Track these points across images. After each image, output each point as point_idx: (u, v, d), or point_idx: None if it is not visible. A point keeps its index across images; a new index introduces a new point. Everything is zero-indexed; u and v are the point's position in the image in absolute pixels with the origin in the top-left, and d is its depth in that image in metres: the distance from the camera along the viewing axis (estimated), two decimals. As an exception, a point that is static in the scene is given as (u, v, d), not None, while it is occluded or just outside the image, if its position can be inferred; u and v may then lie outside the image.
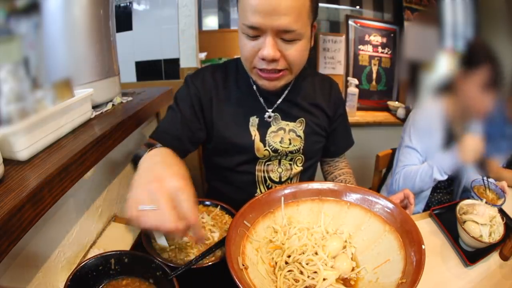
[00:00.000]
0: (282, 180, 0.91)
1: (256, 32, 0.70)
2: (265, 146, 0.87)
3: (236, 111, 0.87)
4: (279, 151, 0.87)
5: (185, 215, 0.47)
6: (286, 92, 0.88)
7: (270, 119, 0.87)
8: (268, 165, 0.90)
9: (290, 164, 0.91)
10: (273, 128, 0.87)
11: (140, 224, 0.48)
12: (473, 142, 0.92)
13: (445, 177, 1.01)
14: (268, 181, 0.91)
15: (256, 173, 0.89)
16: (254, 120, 0.86)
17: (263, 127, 0.87)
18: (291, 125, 0.88)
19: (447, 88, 0.85)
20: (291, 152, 0.89)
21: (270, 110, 0.87)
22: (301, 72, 0.88)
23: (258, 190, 0.91)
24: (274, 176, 0.90)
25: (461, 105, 0.89)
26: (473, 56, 0.81)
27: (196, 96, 0.86)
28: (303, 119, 0.89)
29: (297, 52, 0.73)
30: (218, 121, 0.87)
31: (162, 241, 0.63)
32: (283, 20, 0.66)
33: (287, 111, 0.88)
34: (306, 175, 0.95)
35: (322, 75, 1.01)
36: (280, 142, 0.87)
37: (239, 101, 0.87)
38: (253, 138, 0.86)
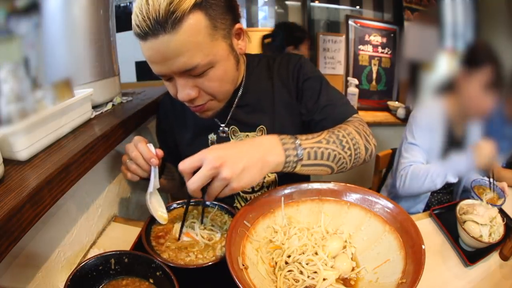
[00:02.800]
0: (255, 189, 0.84)
1: (166, 77, 0.66)
2: None
3: (194, 132, 0.84)
4: None
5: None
6: (236, 99, 0.78)
7: (224, 134, 0.81)
8: None
9: None
10: (233, 141, 0.81)
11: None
12: (487, 147, 0.91)
13: (457, 179, 1.00)
14: (241, 193, 0.85)
15: None
16: (212, 138, 0.82)
17: (222, 143, 0.80)
18: (251, 135, 0.80)
19: (449, 87, 0.84)
20: None
21: (223, 125, 0.80)
22: (253, 68, 0.81)
23: (236, 201, 0.86)
24: None
25: (461, 104, 0.89)
26: (475, 55, 0.81)
27: (161, 126, 0.92)
28: (263, 126, 0.79)
29: (212, 82, 0.65)
30: (180, 144, 0.87)
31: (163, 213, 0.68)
32: (178, 63, 0.59)
33: (244, 120, 0.80)
34: (289, 180, 0.73)
35: (281, 57, 0.83)
36: None
37: (196, 121, 0.82)
38: None
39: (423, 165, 1.07)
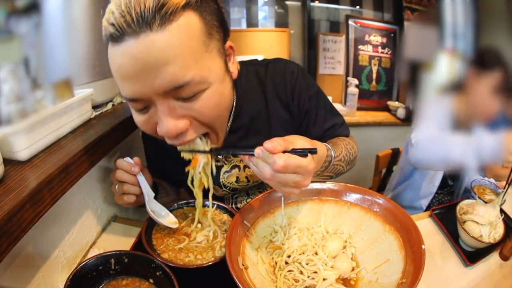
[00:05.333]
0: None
1: (141, 104, 0.49)
2: (222, 188, 0.78)
3: (184, 160, 0.68)
4: (238, 189, 0.78)
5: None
6: (228, 124, 0.69)
7: (218, 163, 0.76)
8: (236, 198, 0.83)
9: (260, 191, 0.80)
10: (226, 167, 0.76)
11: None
12: None
13: (475, 164, 0.85)
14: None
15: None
16: None
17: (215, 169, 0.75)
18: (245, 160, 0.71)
19: (456, 87, 0.83)
20: (253, 186, 0.79)
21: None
22: (241, 83, 0.70)
23: (235, 202, 0.85)
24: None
25: (468, 104, 0.87)
26: (486, 58, 0.80)
27: (148, 152, 0.85)
28: None
29: (207, 108, 0.50)
30: (170, 170, 0.76)
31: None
32: (164, 74, 0.44)
33: (237, 145, 0.72)
34: None
35: (273, 65, 0.72)
36: (237, 181, 0.76)
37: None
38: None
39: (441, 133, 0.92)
